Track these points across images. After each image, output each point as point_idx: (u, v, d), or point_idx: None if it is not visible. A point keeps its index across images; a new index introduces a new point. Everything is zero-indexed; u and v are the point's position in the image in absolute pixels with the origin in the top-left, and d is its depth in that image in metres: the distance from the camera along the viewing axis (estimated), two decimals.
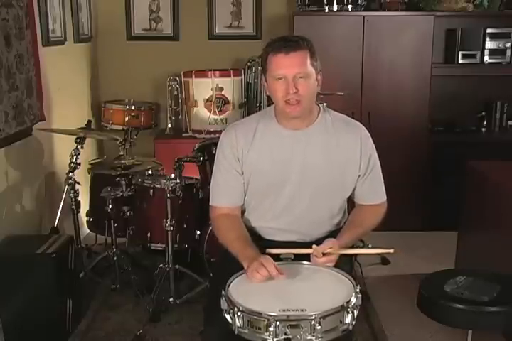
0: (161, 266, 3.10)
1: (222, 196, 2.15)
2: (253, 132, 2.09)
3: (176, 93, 4.31)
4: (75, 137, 3.23)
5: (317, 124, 2.09)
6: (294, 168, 2.06)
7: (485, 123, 4.49)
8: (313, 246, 1.93)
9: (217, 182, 2.16)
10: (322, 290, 1.80)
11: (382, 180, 2.19)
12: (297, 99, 1.96)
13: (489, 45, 4.24)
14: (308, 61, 1.96)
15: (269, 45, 2.00)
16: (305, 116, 2.06)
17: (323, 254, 1.91)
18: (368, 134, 2.15)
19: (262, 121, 2.12)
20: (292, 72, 1.94)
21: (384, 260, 3.68)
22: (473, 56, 4.28)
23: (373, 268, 3.59)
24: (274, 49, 1.96)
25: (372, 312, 3.08)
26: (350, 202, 2.25)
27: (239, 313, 1.64)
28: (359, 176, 2.12)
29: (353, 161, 2.10)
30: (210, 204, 2.18)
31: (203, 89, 4.14)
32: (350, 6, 4.01)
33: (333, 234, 2.14)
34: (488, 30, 4.23)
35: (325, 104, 2.40)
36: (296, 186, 2.08)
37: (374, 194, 2.18)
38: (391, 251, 1.97)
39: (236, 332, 1.67)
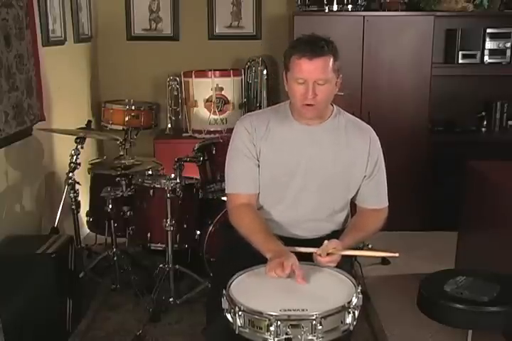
0: (161, 266, 3.10)
1: (242, 183, 2.14)
2: (267, 123, 2.13)
3: (176, 93, 4.31)
4: (75, 137, 3.23)
5: (329, 122, 2.13)
6: (303, 160, 2.09)
7: (485, 123, 4.50)
8: (325, 241, 1.92)
9: (234, 170, 2.15)
10: (323, 290, 1.80)
11: (386, 186, 2.20)
12: (314, 103, 1.99)
13: (489, 45, 4.24)
14: (330, 67, 1.98)
15: (294, 46, 2.00)
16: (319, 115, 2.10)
17: (327, 254, 1.91)
18: (377, 138, 2.18)
19: (276, 114, 2.16)
20: (313, 78, 1.96)
21: (384, 260, 3.68)
22: (473, 56, 4.28)
23: (373, 268, 3.58)
24: (299, 51, 1.97)
25: (372, 312, 3.08)
26: (353, 208, 2.25)
27: (240, 313, 1.64)
28: (364, 177, 2.15)
29: (360, 161, 2.12)
30: (227, 192, 2.18)
31: (203, 89, 4.15)
32: (350, 6, 4.01)
33: (334, 233, 2.15)
34: (488, 30, 4.23)
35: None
36: (302, 180, 2.10)
37: (376, 197, 2.19)
38: (396, 255, 1.96)
39: (237, 332, 1.66)
